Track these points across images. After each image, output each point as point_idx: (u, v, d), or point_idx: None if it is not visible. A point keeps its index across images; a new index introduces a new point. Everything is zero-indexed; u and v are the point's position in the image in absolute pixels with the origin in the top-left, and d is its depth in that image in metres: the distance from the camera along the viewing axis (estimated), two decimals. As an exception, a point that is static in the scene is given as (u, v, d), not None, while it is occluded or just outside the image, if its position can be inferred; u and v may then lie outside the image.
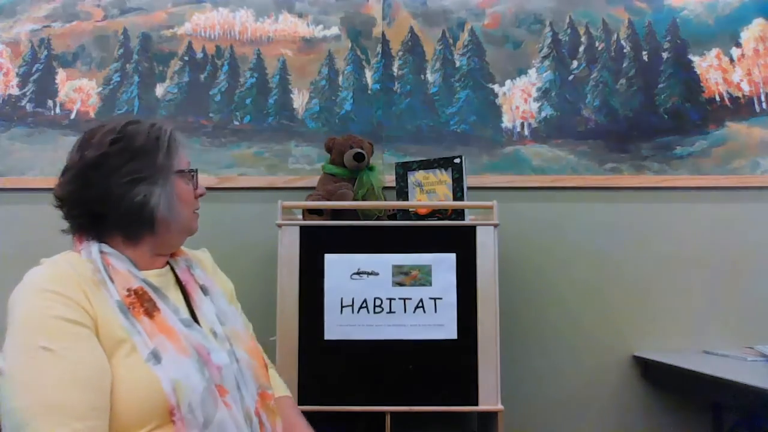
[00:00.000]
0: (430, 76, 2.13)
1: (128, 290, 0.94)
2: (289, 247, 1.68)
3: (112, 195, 0.96)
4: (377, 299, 1.66)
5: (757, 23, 2.14)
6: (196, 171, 1.10)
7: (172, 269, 1.08)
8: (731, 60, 2.13)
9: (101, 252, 0.97)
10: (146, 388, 0.87)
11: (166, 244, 1.06)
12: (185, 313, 1.01)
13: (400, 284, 1.67)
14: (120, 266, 0.96)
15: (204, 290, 1.08)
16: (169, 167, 1.02)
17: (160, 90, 2.12)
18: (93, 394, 0.83)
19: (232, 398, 0.95)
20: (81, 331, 0.87)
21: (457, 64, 2.13)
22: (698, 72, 2.12)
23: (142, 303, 0.94)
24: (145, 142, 1.00)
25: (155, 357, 0.89)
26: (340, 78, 2.12)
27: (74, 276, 0.92)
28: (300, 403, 1.62)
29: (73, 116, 2.10)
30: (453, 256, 1.67)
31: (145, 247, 1.02)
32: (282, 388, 1.25)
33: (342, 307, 1.66)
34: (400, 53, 2.13)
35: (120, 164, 0.97)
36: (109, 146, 0.97)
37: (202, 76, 2.12)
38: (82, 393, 0.82)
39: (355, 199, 1.82)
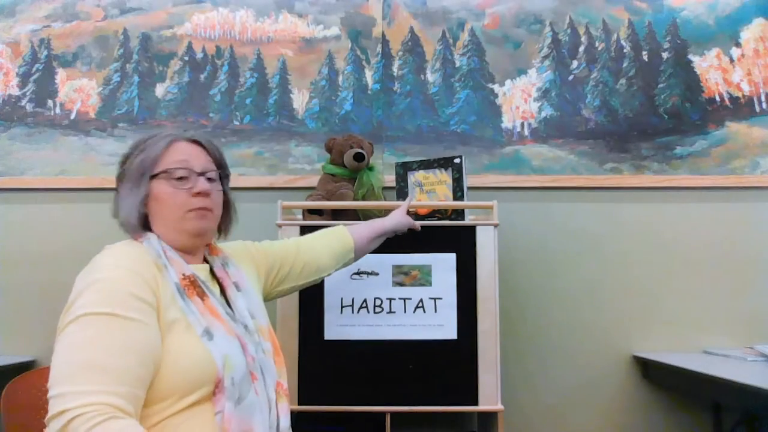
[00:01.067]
0: (430, 76, 2.13)
1: (183, 275, 1.03)
2: (289, 247, 1.68)
3: (118, 206, 1.09)
4: (377, 299, 1.66)
5: (757, 23, 2.14)
6: (185, 169, 1.07)
7: (210, 266, 1.15)
8: (731, 60, 2.13)
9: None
10: (200, 361, 0.95)
11: (176, 244, 1.07)
12: (226, 306, 1.10)
13: (400, 284, 1.67)
14: (174, 256, 1.05)
15: (237, 287, 1.15)
16: (145, 172, 1.06)
17: (160, 90, 2.12)
18: (140, 365, 0.89)
19: (260, 385, 1.04)
20: (144, 308, 0.93)
21: (457, 64, 2.13)
22: (698, 72, 2.12)
23: (195, 287, 1.03)
24: (131, 151, 1.09)
25: (208, 334, 0.98)
26: (340, 78, 2.12)
27: (146, 257, 1.01)
28: (300, 403, 1.62)
29: (73, 116, 2.10)
30: (453, 256, 1.67)
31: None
32: (338, 232, 1.44)
33: (342, 306, 1.66)
34: (400, 53, 2.13)
35: (121, 178, 1.09)
36: (122, 164, 1.10)
37: (202, 76, 2.12)
38: (130, 361, 0.88)
39: (355, 199, 1.82)
